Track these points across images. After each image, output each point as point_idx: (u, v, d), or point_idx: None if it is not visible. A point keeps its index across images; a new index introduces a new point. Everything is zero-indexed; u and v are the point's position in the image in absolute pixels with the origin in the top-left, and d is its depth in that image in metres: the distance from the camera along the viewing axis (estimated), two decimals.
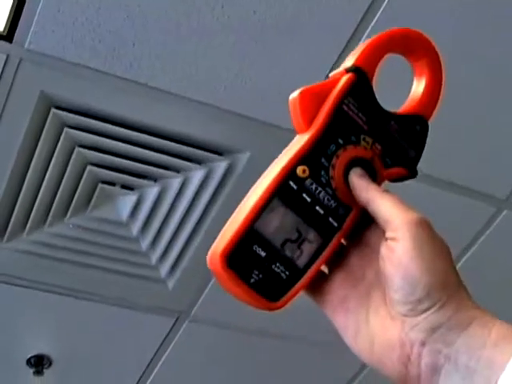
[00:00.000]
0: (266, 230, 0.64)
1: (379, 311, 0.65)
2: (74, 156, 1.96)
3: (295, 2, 1.72)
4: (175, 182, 2.05)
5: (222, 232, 0.65)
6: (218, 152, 2.01)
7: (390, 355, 0.63)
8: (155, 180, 2.05)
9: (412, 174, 0.70)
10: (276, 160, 0.66)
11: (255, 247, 0.64)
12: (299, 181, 0.65)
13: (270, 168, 0.66)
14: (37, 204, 2.03)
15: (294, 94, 0.67)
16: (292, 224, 0.65)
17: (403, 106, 0.71)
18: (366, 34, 1.77)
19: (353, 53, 0.69)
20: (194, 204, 2.10)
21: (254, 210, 0.64)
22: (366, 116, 0.68)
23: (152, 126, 1.93)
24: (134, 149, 1.97)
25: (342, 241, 0.68)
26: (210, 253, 0.65)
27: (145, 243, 2.19)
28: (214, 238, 2.26)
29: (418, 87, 0.71)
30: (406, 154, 0.69)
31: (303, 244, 0.66)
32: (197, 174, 2.04)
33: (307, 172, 0.65)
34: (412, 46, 0.71)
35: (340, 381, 2.74)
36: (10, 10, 1.68)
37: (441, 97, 0.71)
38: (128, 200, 2.08)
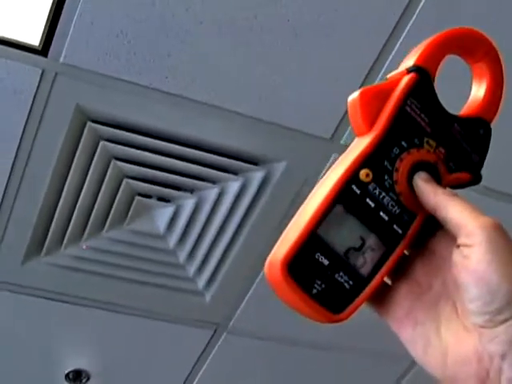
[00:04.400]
0: (329, 237, 0.61)
1: (451, 322, 0.61)
2: (110, 169, 1.95)
3: (328, 9, 1.71)
4: (212, 193, 2.04)
5: (280, 239, 0.61)
6: (254, 162, 2.00)
7: (466, 370, 0.58)
8: (191, 191, 2.04)
9: (476, 179, 0.67)
10: (335, 164, 0.63)
11: (318, 255, 0.61)
12: (362, 185, 0.62)
13: (329, 172, 0.63)
14: (74, 218, 2.03)
15: (354, 95, 0.64)
16: (355, 231, 0.62)
17: (464, 109, 0.69)
18: (398, 43, 1.75)
19: (412, 53, 0.66)
20: (231, 215, 2.09)
21: (315, 215, 0.60)
22: (429, 118, 0.65)
23: (187, 137, 1.92)
24: (169, 160, 1.96)
25: (406, 251, 0.65)
26: (268, 261, 0.61)
27: (182, 256, 2.18)
28: (252, 249, 2.26)
29: (479, 90, 0.68)
30: (469, 159, 0.66)
31: (367, 252, 0.62)
32: (233, 185, 2.03)
33: (370, 176, 0.62)
34: (472, 47, 0.68)
35: None
36: (45, 25, 1.69)
37: (502, 99, 0.68)
38: (165, 212, 2.07)
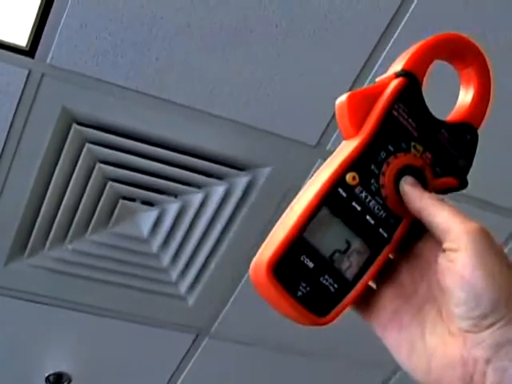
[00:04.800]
0: (315, 239, 0.61)
1: (436, 327, 0.61)
2: (94, 172, 1.95)
3: (318, 16, 1.71)
4: (196, 198, 2.04)
5: (266, 241, 0.61)
6: (239, 167, 2.00)
7: (450, 375, 0.58)
8: (176, 196, 2.04)
9: (463, 184, 0.67)
10: (323, 166, 0.63)
11: (303, 258, 0.61)
12: (349, 188, 0.62)
13: (316, 175, 0.63)
14: (57, 220, 2.02)
15: (342, 98, 0.64)
16: (341, 234, 0.62)
17: (451, 114, 0.69)
18: (386, 50, 1.75)
19: (400, 58, 0.66)
20: (215, 220, 2.09)
21: (302, 217, 0.60)
22: (417, 123, 0.65)
23: (173, 141, 1.92)
24: (154, 164, 1.96)
25: (391, 255, 0.65)
26: (253, 263, 0.61)
27: (165, 260, 2.17)
28: (235, 254, 2.26)
29: (467, 95, 0.69)
30: (456, 164, 0.67)
31: (352, 255, 0.62)
32: (218, 190, 2.03)
33: (357, 179, 0.62)
34: (460, 53, 0.68)
35: None
36: (33, 26, 1.68)
37: (489, 105, 0.68)
38: (149, 216, 2.07)
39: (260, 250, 0.61)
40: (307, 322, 0.62)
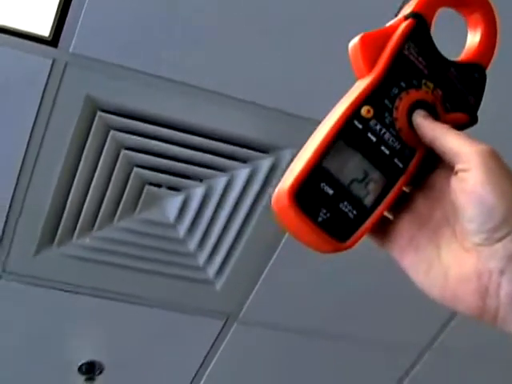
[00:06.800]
0: (333, 168, 0.64)
1: (451, 246, 0.64)
2: (120, 159, 1.98)
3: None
4: (221, 182, 2.06)
5: (287, 171, 0.64)
6: (262, 150, 2.02)
7: (466, 288, 0.62)
8: (201, 180, 2.07)
9: (473, 120, 0.70)
10: (338, 103, 0.66)
11: (323, 185, 0.64)
12: (364, 121, 0.65)
13: (332, 110, 0.66)
14: (85, 208, 2.05)
15: (355, 40, 0.68)
16: (358, 164, 0.65)
17: (460, 56, 0.72)
18: None
19: (410, 2, 0.70)
20: (240, 203, 2.11)
21: (320, 148, 0.64)
22: (427, 61, 0.68)
23: (196, 125, 1.94)
24: (178, 149, 1.99)
25: (405, 188, 0.68)
26: (275, 192, 0.64)
27: (192, 244, 2.20)
28: (261, 237, 2.27)
29: (474, 38, 0.72)
30: (466, 100, 0.70)
31: (369, 184, 0.65)
32: (242, 173, 2.05)
33: (371, 112, 0.65)
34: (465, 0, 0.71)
35: (391, 381, 2.72)
36: (55, 15, 1.71)
37: (497, 45, 0.71)
38: (174, 201, 2.09)
39: (281, 180, 0.64)
40: (328, 247, 0.65)
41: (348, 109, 0.65)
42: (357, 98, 0.65)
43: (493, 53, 0.71)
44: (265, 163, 2.03)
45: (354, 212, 0.65)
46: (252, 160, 2.03)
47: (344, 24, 1.77)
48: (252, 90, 1.88)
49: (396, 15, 0.70)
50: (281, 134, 1.98)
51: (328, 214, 0.64)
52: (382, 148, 0.66)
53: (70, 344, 2.45)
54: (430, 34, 0.69)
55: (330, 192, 0.64)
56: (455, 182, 0.63)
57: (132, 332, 2.44)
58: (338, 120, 0.65)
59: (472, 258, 0.62)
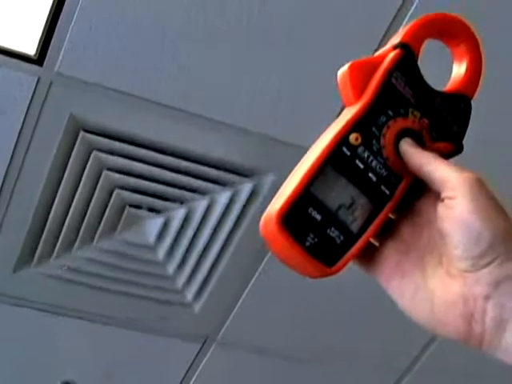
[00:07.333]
0: (321, 194, 0.65)
1: (437, 272, 0.65)
2: (101, 179, 1.98)
3: (317, 12, 1.75)
4: (201, 205, 2.07)
5: (276, 196, 0.66)
6: (244, 174, 2.03)
7: (452, 313, 0.63)
8: (181, 203, 2.07)
9: (458, 148, 0.71)
10: (327, 130, 0.68)
11: (311, 210, 0.65)
12: (352, 148, 0.67)
13: (321, 136, 0.68)
14: (65, 227, 2.05)
15: (344, 68, 0.69)
16: (346, 190, 0.66)
17: (447, 86, 0.73)
18: None
19: (399, 32, 0.72)
20: (220, 226, 2.11)
21: (309, 173, 0.65)
22: (414, 90, 0.70)
23: (178, 148, 1.95)
24: (160, 171, 1.99)
25: (391, 215, 0.69)
26: (264, 217, 0.66)
27: (171, 267, 2.20)
28: (240, 260, 2.27)
29: (460, 69, 0.73)
30: (451, 130, 0.71)
31: (356, 210, 0.67)
32: (222, 197, 2.06)
33: (360, 140, 0.67)
34: (451, 30, 0.73)
35: None
36: (42, 34, 1.72)
37: (482, 77, 0.73)
38: (155, 223, 2.10)
39: (270, 205, 0.66)
40: (315, 271, 0.66)
41: (337, 135, 0.67)
42: (345, 125, 0.67)
43: (478, 84, 0.73)
44: (246, 187, 2.05)
45: (341, 237, 0.66)
46: (233, 184, 2.04)
47: (330, 52, 1.79)
48: (235, 113, 1.90)
49: (376, 51, 0.72)
50: (262, 158, 2.00)
51: (316, 239, 0.65)
52: (370, 175, 0.67)
53: (46, 363, 2.44)
54: (417, 64, 0.71)
55: (318, 217, 0.65)
56: (442, 209, 0.64)
57: (109, 353, 2.43)
58: (327, 146, 0.66)
59: (458, 283, 0.63)
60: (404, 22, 1.75)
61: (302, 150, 1.99)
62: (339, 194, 0.66)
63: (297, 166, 0.67)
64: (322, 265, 0.66)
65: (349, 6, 1.75)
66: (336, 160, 0.66)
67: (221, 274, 2.22)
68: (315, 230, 0.65)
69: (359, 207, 0.67)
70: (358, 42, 1.77)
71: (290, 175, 0.67)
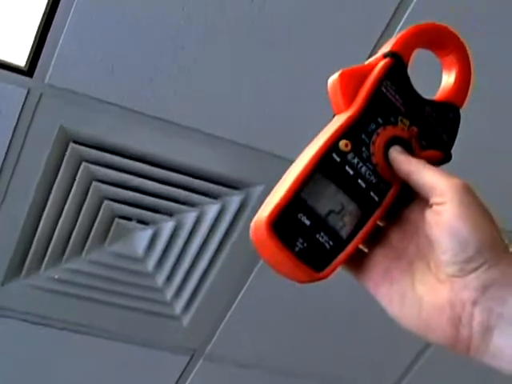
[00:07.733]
0: (311, 199, 0.66)
1: (425, 277, 0.66)
2: (91, 191, 1.98)
3: (313, 19, 1.77)
4: (190, 217, 2.07)
5: (265, 202, 0.66)
6: (233, 186, 2.04)
7: (440, 318, 0.63)
8: (171, 215, 2.08)
9: (447, 157, 0.72)
10: (317, 137, 0.69)
11: (300, 215, 0.65)
12: (342, 154, 0.67)
13: (312, 143, 0.68)
14: (54, 239, 2.05)
15: (334, 76, 0.70)
16: (335, 196, 0.67)
17: (436, 95, 0.74)
18: None
19: (389, 42, 0.73)
20: (209, 238, 2.12)
21: (299, 179, 0.66)
22: (403, 99, 0.71)
23: (167, 160, 1.96)
24: (149, 183, 2.00)
25: (380, 222, 0.70)
26: (253, 222, 0.66)
27: (160, 279, 2.20)
28: (230, 273, 2.27)
29: (449, 78, 0.74)
30: (440, 138, 0.72)
31: (346, 216, 0.67)
32: (212, 209, 2.06)
33: (349, 146, 0.68)
34: (440, 40, 0.74)
35: None
36: (32, 46, 1.73)
37: (471, 86, 0.74)
38: (144, 235, 2.10)
39: (260, 210, 0.66)
40: (304, 276, 0.67)
41: (327, 142, 0.67)
42: (335, 132, 0.68)
43: (467, 93, 0.74)
44: (235, 199, 2.05)
45: (331, 243, 0.67)
46: (222, 196, 2.05)
47: (319, 63, 1.81)
48: (224, 126, 1.91)
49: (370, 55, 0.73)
50: (252, 170, 2.01)
51: (305, 244, 0.66)
52: (359, 181, 0.68)
53: (36, 375, 2.43)
54: (407, 72, 0.72)
55: (307, 222, 0.66)
56: (430, 215, 0.65)
57: (96, 365, 2.42)
58: (317, 152, 0.67)
59: (446, 288, 0.63)
60: (402, 23, 1.77)
61: (290, 163, 2.00)
62: (329, 199, 0.67)
63: (286, 173, 0.67)
64: (310, 270, 0.66)
65: (346, 9, 1.76)
66: (326, 166, 0.67)
67: (210, 287, 2.22)
68: (304, 235, 0.66)
69: (348, 213, 0.67)
70: (353, 50, 1.79)
71: (280, 181, 0.67)
